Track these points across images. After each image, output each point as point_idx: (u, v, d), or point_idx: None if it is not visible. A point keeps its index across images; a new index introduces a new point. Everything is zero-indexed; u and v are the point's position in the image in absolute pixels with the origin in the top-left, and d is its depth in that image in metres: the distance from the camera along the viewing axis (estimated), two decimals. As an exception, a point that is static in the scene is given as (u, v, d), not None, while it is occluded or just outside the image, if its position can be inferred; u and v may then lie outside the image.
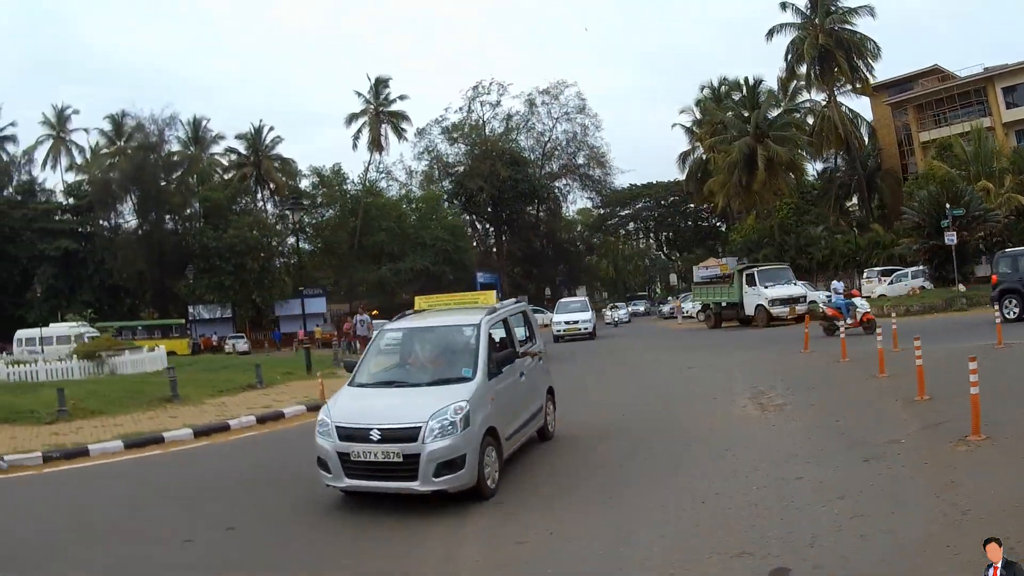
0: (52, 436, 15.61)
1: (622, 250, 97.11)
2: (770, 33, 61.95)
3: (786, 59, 62.23)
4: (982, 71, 60.13)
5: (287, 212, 72.30)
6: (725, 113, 65.36)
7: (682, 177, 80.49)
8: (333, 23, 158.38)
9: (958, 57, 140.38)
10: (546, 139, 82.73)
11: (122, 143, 72.73)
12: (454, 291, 73.31)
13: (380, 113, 75.65)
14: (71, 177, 76.78)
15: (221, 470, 12.91)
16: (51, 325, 47.67)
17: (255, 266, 66.17)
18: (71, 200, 71.61)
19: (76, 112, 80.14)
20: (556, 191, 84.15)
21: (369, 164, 76.97)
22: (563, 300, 49.36)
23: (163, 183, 68.29)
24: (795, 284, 39.48)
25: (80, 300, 63.74)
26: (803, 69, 62.25)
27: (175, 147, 72.66)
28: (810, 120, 65.16)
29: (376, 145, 75.81)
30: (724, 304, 41.27)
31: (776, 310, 37.17)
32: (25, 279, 68.88)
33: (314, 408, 18.27)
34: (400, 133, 77.56)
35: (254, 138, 75.17)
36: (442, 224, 71.50)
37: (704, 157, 72.22)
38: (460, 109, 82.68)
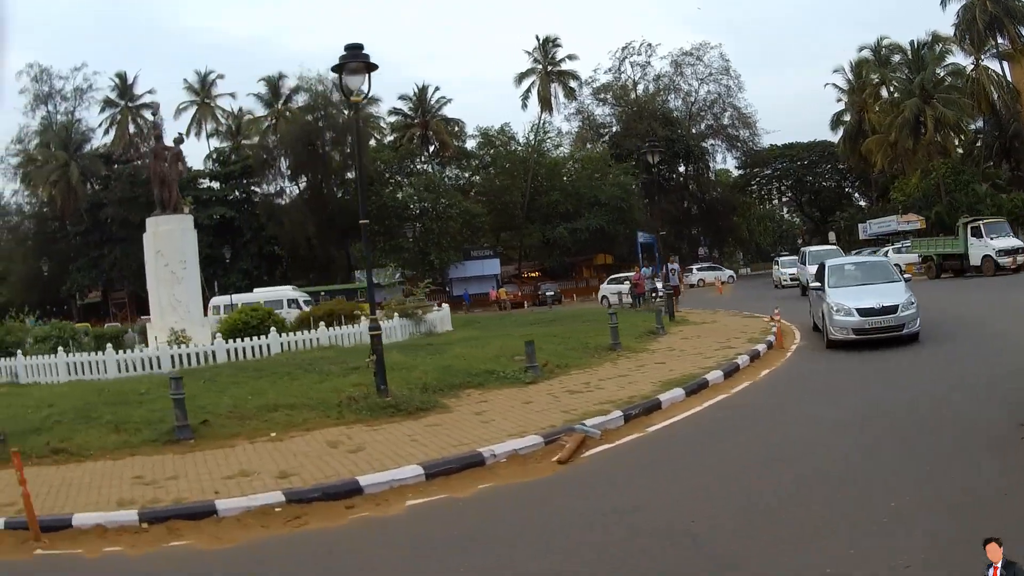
0: (571, 396, 14.78)
1: (755, 211, 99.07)
2: (942, 4, 63.63)
3: (958, 24, 64.11)
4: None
5: (457, 170, 75.72)
6: (891, 73, 68.20)
7: (826, 137, 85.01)
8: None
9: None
10: (692, 100, 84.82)
11: (279, 106, 74.08)
12: (620, 249, 75.82)
13: (550, 73, 78.65)
14: (216, 143, 78.59)
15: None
16: (255, 290, 47.91)
17: (434, 227, 67.81)
18: (217, 166, 72.60)
19: (221, 77, 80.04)
20: (706, 151, 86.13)
21: (539, 124, 78.84)
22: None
23: (328, 145, 69.44)
24: (1013, 236, 42.64)
25: (238, 268, 65.36)
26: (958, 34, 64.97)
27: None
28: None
29: (546, 105, 78.62)
30: (944, 255, 44.67)
31: (1002, 260, 40.61)
32: None
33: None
34: (571, 93, 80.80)
35: (419, 99, 77.22)
36: (614, 182, 72.65)
37: (858, 117, 74.16)
38: (610, 70, 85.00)
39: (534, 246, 74.51)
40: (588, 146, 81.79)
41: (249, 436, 13.00)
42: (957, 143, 66.85)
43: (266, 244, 69.09)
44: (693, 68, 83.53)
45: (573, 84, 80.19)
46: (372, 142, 74.48)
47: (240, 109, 77.30)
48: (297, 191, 72.15)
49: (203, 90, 78.93)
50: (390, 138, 77.11)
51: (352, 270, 70.45)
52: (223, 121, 78.45)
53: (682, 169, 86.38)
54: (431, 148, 77.60)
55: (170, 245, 27.89)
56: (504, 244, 76.30)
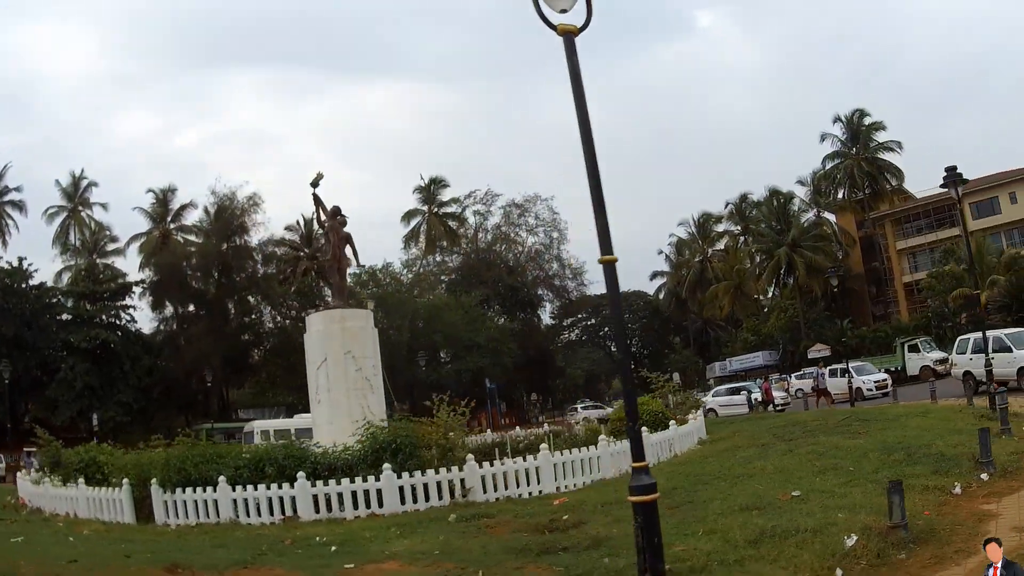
0: None
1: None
2: (823, 163, 75.17)
3: (833, 182, 76.00)
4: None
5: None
6: (758, 225, 77.68)
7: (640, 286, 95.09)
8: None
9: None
10: (521, 250, 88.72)
11: (169, 223, 70.16)
12: (478, 394, 75.47)
13: (435, 214, 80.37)
14: (71, 259, 71.40)
15: None
16: (295, 416, 46.05)
17: None
18: (89, 283, 64.26)
19: (95, 184, 73.86)
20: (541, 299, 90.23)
21: (422, 262, 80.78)
22: None
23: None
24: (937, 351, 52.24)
25: (115, 400, 59.21)
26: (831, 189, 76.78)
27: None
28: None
29: (431, 245, 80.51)
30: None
31: (938, 368, 48.66)
32: (45, 374, 61.35)
33: None
34: (453, 235, 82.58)
35: (307, 230, 74.34)
36: (489, 325, 75.13)
37: (700, 267, 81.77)
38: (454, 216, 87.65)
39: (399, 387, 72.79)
40: (434, 293, 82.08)
41: None
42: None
43: (145, 375, 62.28)
44: (525, 218, 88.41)
45: (453, 225, 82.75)
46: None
47: (99, 225, 70.97)
48: (176, 317, 67.39)
49: (76, 195, 72.43)
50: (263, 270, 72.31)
51: (229, 410, 66.88)
52: (94, 232, 70.76)
53: (521, 317, 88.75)
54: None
55: (362, 345, 23.79)
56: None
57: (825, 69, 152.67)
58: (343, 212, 26.16)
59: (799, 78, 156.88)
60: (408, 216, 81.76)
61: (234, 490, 17.22)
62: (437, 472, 17.54)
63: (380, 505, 16.92)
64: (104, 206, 72.91)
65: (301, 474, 17.06)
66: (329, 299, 27.91)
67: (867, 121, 74.23)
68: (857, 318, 76.10)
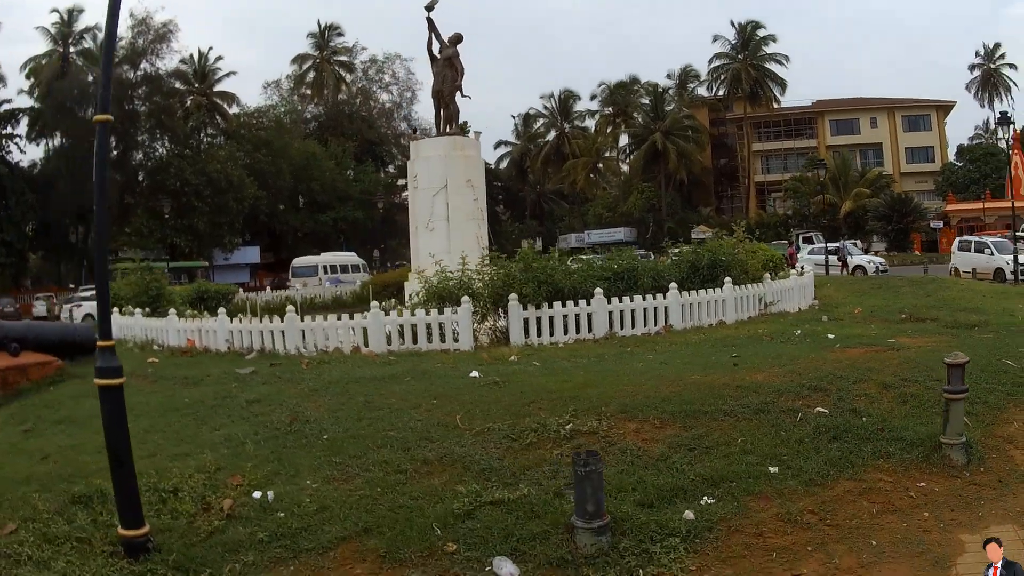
0: None
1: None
2: (710, 61, 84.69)
3: (717, 81, 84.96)
4: (811, 104, 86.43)
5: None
6: (635, 110, 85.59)
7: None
8: None
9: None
10: (375, 106, 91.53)
11: (71, 46, 66.45)
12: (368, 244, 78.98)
13: (326, 60, 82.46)
14: None
15: None
16: (322, 255, 52.21)
17: (235, 206, 64.72)
18: None
19: None
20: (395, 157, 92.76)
21: (303, 109, 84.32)
22: None
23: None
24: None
25: None
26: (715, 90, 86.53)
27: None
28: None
29: (318, 90, 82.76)
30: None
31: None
32: None
33: None
34: (342, 79, 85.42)
35: (200, 65, 73.09)
36: (371, 176, 79.53)
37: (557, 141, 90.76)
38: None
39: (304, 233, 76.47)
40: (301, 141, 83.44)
41: None
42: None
43: (28, 212, 60.63)
44: (382, 75, 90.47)
45: (345, 74, 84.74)
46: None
47: None
48: (64, 149, 63.71)
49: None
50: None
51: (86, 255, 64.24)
52: None
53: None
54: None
55: (479, 175, 24.15)
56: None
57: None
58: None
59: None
60: (300, 60, 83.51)
61: (609, 303, 17.89)
62: (753, 286, 20.47)
63: (723, 313, 19.30)
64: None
65: (673, 285, 18.66)
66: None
67: (760, 32, 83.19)
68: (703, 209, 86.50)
